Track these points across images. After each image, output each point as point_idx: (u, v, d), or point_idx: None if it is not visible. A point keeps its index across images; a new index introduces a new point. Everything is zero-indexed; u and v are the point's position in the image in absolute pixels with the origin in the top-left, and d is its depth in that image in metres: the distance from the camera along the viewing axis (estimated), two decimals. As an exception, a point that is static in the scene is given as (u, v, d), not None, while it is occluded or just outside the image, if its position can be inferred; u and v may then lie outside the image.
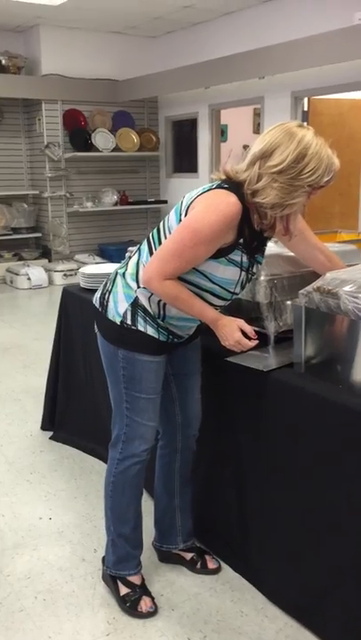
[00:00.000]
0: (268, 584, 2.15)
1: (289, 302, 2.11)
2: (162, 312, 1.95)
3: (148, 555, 2.30)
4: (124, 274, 2.00)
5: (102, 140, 7.75)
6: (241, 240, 1.85)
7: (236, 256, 1.87)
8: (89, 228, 8.18)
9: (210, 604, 2.13)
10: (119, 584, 2.15)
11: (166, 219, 1.93)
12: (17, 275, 7.39)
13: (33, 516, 2.68)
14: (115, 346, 1.99)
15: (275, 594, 2.12)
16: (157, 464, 2.28)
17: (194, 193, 1.86)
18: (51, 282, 7.51)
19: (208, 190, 1.82)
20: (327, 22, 5.45)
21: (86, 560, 2.38)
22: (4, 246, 7.84)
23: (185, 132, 8.13)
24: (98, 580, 2.25)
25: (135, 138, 8.00)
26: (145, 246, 1.97)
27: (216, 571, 2.28)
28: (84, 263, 7.43)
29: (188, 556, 2.31)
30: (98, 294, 2.08)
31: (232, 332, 1.90)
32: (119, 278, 2.00)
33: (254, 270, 1.99)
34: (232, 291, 1.94)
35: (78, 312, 3.12)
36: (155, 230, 1.97)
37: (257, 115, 8.09)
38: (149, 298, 1.93)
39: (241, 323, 1.92)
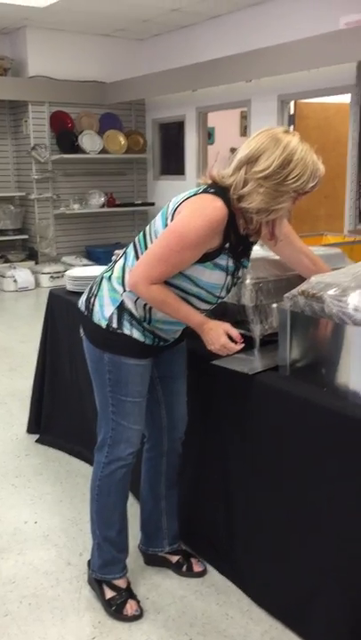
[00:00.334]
0: (254, 586, 2.16)
1: (274, 305, 2.12)
2: (148, 315, 1.95)
3: (133, 558, 2.30)
4: (109, 277, 2.00)
5: (89, 141, 7.74)
6: (227, 244, 1.86)
7: (222, 260, 1.87)
8: (76, 230, 8.16)
9: (195, 607, 2.14)
10: (105, 588, 2.15)
11: (152, 222, 1.94)
12: (3, 277, 7.35)
13: (18, 519, 2.67)
14: (100, 350, 1.99)
15: (260, 596, 2.13)
16: (143, 467, 2.28)
17: (180, 197, 1.87)
18: (37, 284, 7.47)
19: (194, 195, 1.83)
20: (313, 26, 5.48)
21: (72, 564, 2.37)
22: (-9, 248, 7.82)
23: (172, 135, 8.14)
24: (83, 583, 2.25)
25: (122, 140, 8.00)
26: (131, 250, 1.97)
27: (202, 574, 2.29)
28: (72, 265, 7.40)
29: (174, 558, 2.32)
30: (83, 298, 2.07)
31: (218, 336, 1.91)
32: (105, 282, 2.00)
33: (240, 274, 2.00)
34: (218, 295, 1.94)
35: (65, 315, 3.12)
36: (141, 234, 1.97)
37: (244, 118, 8.11)
38: (135, 301, 1.93)
39: (227, 327, 1.92)
